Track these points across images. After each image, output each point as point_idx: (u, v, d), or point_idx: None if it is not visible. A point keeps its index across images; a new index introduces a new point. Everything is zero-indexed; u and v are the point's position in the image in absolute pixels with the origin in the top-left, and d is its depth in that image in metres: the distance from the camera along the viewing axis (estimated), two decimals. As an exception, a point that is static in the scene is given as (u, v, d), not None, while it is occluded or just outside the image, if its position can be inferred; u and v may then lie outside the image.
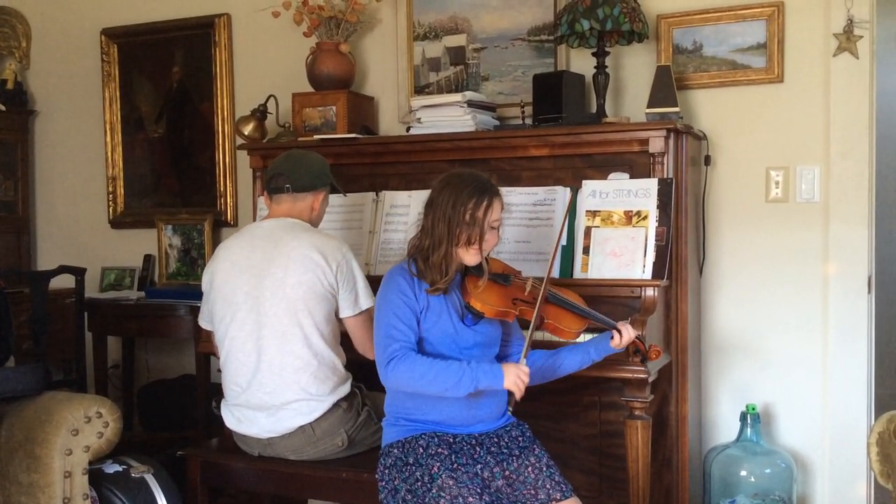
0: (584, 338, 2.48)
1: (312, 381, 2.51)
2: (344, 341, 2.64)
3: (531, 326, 2.26)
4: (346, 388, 2.58)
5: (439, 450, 2.23)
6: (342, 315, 2.59)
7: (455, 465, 2.20)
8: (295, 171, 2.65)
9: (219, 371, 2.73)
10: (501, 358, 2.41)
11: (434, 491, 2.14)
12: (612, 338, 2.33)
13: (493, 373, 2.19)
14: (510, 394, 2.19)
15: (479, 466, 2.23)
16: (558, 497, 2.24)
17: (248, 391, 2.55)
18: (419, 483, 2.18)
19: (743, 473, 3.00)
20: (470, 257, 2.28)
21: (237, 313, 2.56)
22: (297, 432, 2.53)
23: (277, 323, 2.51)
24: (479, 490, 2.16)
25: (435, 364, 2.19)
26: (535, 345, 2.48)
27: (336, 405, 2.54)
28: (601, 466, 3.00)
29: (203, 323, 2.75)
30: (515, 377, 2.17)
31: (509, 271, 2.41)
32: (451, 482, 2.14)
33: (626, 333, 2.32)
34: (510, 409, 2.22)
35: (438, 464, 2.19)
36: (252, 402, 2.55)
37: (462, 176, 2.30)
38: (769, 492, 2.98)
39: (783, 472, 3.00)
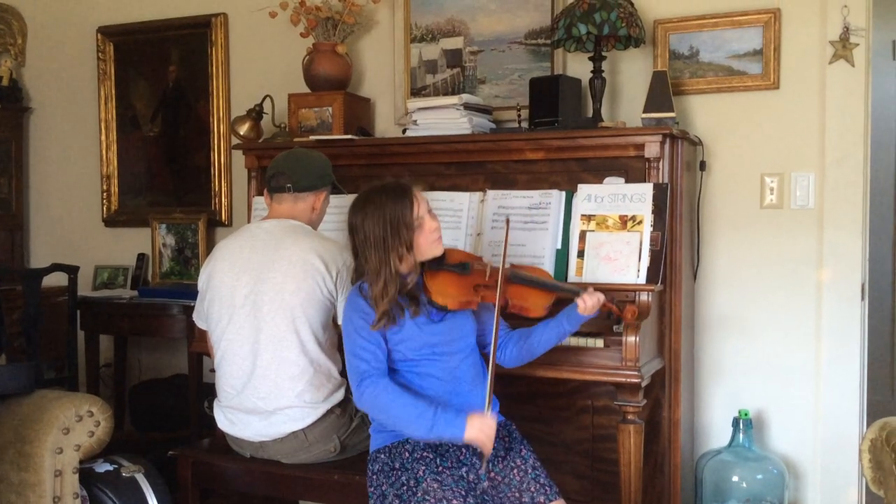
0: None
1: (308, 389, 2.50)
2: (341, 345, 2.63)
3: (495, 326, 2.22)
4: (340, 395, 2.57)
5: (424, 453, 2.23)
6: (340, 321, 2.57)
7: (440, 468, 2.20)
8: (296, 170, 2.63)
9: (212, 371, 2.72)
10: (482, 347, 2.39)
11: (419, 494, 2.13)
12: (577, 306, 2.31)
13: (455, 423, 2.14)
14: (481, 452, 2.17)
15: (464, 469, 2.23)
16: (542, 500, 2.22)
17: (243, 394, 2.54)
18: (405, 487, 2.18)
19: (735, 479, 3.00)
20: (432, 250, 2.28)
21: (234, 316, 2.54)
22: (289, 437, 2.52)
23: (274, 328, 2.49)
24: (463, 493, 2.15)
25: (400, 398, 2.18)
26: (513, 326, 2.46)
27: (329, 411, 2.53)
28: (593, 470, 3.00)
29: (198, 321, 2.74)
30: (479, 430, 2.13)
31: (468, 259, 2.39)
32: (435, 485, 2.14)
33: (591, 298, 2.30)
34: (483, 467, 2.19)
35: (424, 467, 2.19)
36: (246, 405, 2.54)
37: (370, 197, 2.25)
38: (761, 497, 2.98)
39: (775, 477, 3.00)
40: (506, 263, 2.32)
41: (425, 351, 2.25)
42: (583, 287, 2.38)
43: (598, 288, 2.71)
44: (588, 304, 2.30)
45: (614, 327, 2.63)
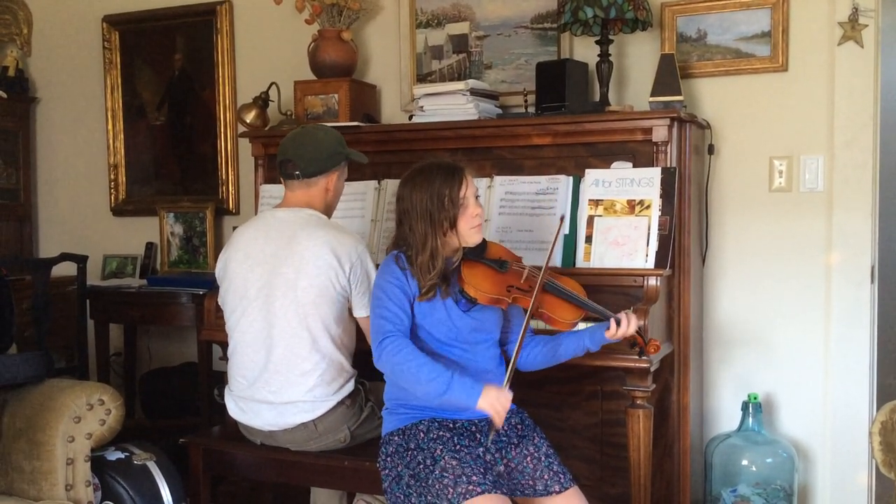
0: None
1: (319, 384, 2.49)
2: (355, 337, 2.63)
3: (523, 327, 2.22)
4: (350, 386, 2.56)
5: (441, 433, 2.23)
6: (356, 314, 2.56)
7: (458, 446, 2.20)
8: (303, 156, 2.58)
9: (221, 359, 2.73)
10: (503, 344, 2.40)
11: (437, 472, 2.13)
12: (608, 328, 2.28)
13: (471, 390, 2.13)
14: (490, 421, 2.15)
15: (480, 450, 2.24)
16: (557, 489, 2.22)
17: (254, 387, 2.54)
18: (422, 466, 2.18)
19: (744, 463, 3.00)
20: (471, 236, 2.29)
21: (248, 308, 2.54)
22: (299, 428, 2.52)
23: (287, 324, 2.48)
24: (482, 470, 2.15)
25: (419, 357, 2.17)
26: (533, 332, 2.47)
27: (340, 403, 2.53)
28: (602, 455, 3.00)
29: (221, 305, 2.73)
30: (494, 400, 2.11)
31: (509, 257, 2.38)
32: (454, 462, 2.14)
33: (624, 326, 2.25)
34: (489, 439, 2.19)
35: (441, 446, 2.19)
36: (256, 397, 2.54)
37: (423, 171, 2.28)
38: (770, 481, 2.98)
39: (784, 461, 3.00)
40: (535, 267, 2.32)
41: (451, 335, 2.26)
42: (619, 310, 2.32)
43: (607, 273, 2.74)
44: (619, 331, 2.26)
45: (638, 357, 2.52)
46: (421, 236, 2.23)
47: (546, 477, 2.23)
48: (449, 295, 2.26)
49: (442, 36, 3.59)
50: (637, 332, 2.31)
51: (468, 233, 2.28)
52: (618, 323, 2.26)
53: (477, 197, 2.31)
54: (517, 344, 2.22)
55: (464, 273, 2.28)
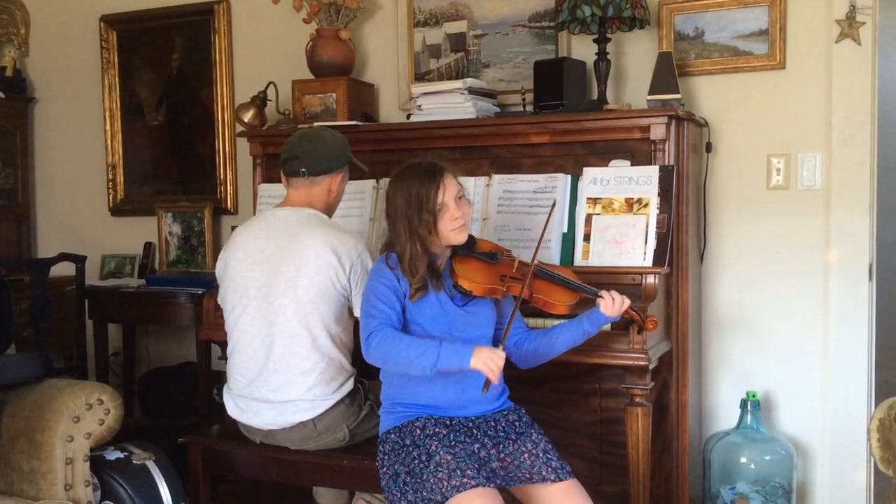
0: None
1: (319, 383, 2.50)
2: (356, 335, 2.62)
3: (513, 309, 2.25)
4: (349, 385, 2.56)
5: (437, 430, 2.23)
6: (356, 313, 2.55)
7: (453, 442, 2.21)
8: (310, 154, 2.59)
9: (219, 358, 2.73)
10: (497, 341, 2.39)
11: (432, 467, 2.14)
12: (600, 305, 2.30)
13: (462, 351, 2.13)
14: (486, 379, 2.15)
15: (476, 446, 2.24)
16: (553, 479, 2.22)
17: (254, 385, 2.54)
18: (417, 462, 2.19)
19: (743, 460, 3.00)
20: (454, 237, 2.29)
21: (248, 307, 2.54)
22: (298, 427, 2.52)
23: (287, 323, 2.48)
24: (476, 465, 2.16)
25: (406, 338, 2.19)
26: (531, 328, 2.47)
27: (339, 402, 2.53)
28: (601, 453, 3.01)
29: (221, 303, 2.73)
30: (486, 358, 2.11)
31: (498, 250, 2.40)
32: (449, 457, 2.14)
33: (615, 299, 2.27)
34: (484, 391, 2.16)
35: (437, 442, 2.19)
36: (256, 395, 2.55)
37: (404, 173, 2.29)
38: (769, 478, 2.99)
39: (783, 458, 3.01)
40: (534, 258, 2.32)
41: (446, 330, 2.26)
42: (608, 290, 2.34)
43: (605, 271, 2.74)
44: (610, 305, 2.28)
45: (637, 334, 2.55)
46: (403, 241, 2.25)
47: (544, 472, 2.23)
48: (441, 287, 2.27)
49: (440, 35, 3.59)
50: (633, 309, 2.33)
51: (450, 234, 2.28)
52: (605, 299, 2.28)
53: (461, 197, 2.30)
54: (510, 315, 2.24)
55: (456, 268, 2.29)
